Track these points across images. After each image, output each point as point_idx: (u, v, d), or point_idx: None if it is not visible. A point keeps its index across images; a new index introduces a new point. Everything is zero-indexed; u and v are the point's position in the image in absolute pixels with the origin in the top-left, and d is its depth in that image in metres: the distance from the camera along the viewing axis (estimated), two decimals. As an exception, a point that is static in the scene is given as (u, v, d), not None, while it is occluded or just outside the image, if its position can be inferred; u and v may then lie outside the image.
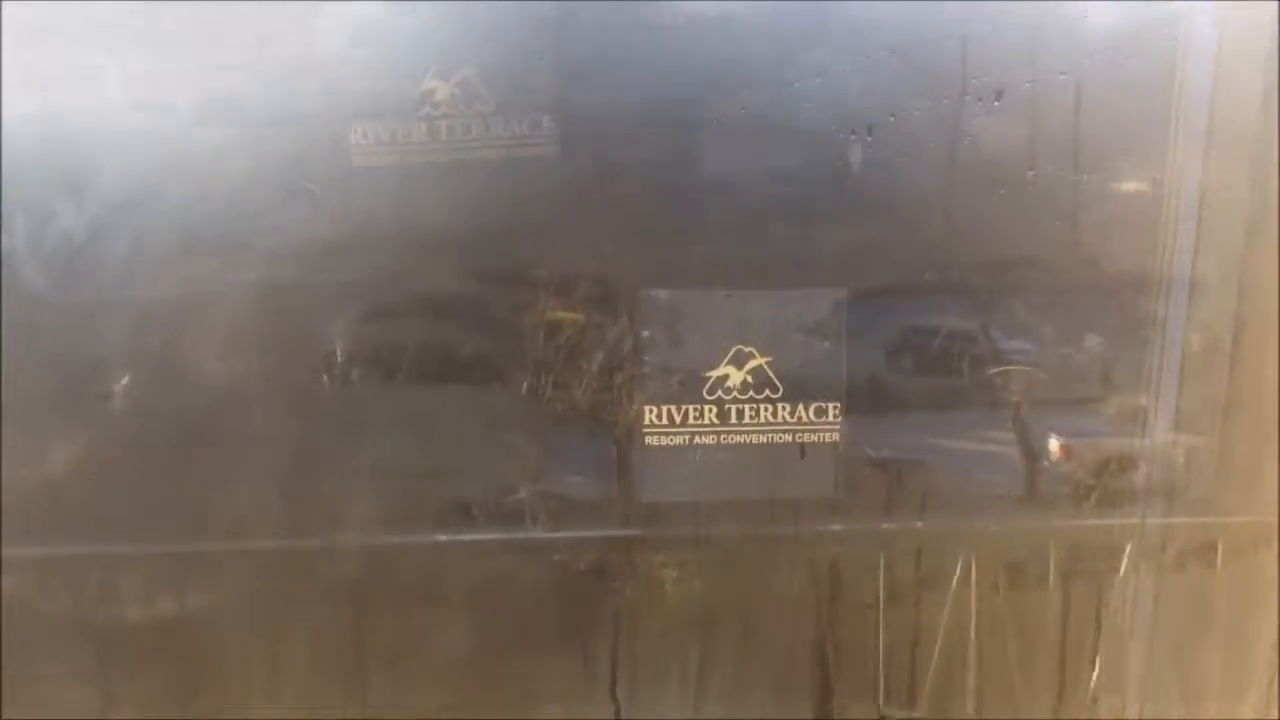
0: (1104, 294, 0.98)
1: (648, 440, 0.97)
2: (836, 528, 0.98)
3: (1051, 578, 1.02)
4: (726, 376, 0.96)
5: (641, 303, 0.95)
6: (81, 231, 0.92)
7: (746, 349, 0.96)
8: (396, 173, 0.91)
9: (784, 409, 0.97)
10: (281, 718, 1.02)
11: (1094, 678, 1.03)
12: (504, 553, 0.98)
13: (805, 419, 0.97)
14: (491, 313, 0.95)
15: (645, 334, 0.95)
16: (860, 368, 0.96)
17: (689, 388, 0.96)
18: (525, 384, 0.94)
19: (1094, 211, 0.96)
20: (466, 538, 0.97)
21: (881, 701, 1.01)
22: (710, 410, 0.97)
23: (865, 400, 0.97)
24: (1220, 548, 1.03)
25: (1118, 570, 1.02)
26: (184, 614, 1.00)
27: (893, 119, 0.93)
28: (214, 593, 1.00)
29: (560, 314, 0.94)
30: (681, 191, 0.93)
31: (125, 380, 0.94)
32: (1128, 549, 1.01)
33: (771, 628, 1.00)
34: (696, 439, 0.97)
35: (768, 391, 0.97)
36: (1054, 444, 1.01)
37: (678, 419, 0.97)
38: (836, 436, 0.97)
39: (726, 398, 0.97)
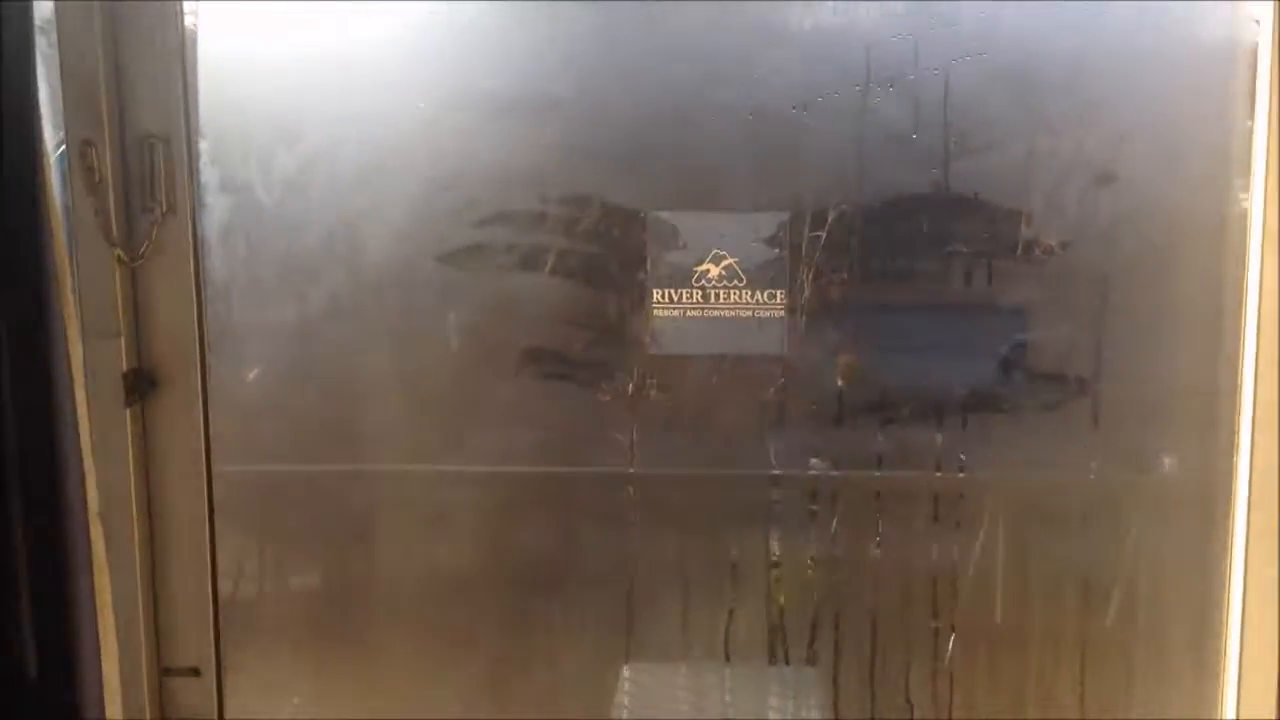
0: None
1: (655, 312, 1.47)
2: (779, 370, 1.47)
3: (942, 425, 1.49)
4: (708, 271, 1.46)
5: (650, 221, 1.45)
6: (295, 165, 1.45)
7: (721, 252, 1.46)
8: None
9: (746, 293, 1.46)
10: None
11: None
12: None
13: (761, 300, 1.46)
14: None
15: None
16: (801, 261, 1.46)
17: (682, 277, 1.46)
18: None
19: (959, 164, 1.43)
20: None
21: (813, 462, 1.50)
22: (696, 293, 1.46)
23: (802, 287, 1.46)
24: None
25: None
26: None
27: (820, 99, 1.42)
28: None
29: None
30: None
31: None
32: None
33: (728, 422, 1.49)
34: (687, 313, 1.47)
35: (735, 281, 1.46)
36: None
37: (675, 299, 1.46)
38: (783, 312, 1.46)
39: (708, 286, 1.46)
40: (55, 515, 1.21)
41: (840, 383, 1.49)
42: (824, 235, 1.45)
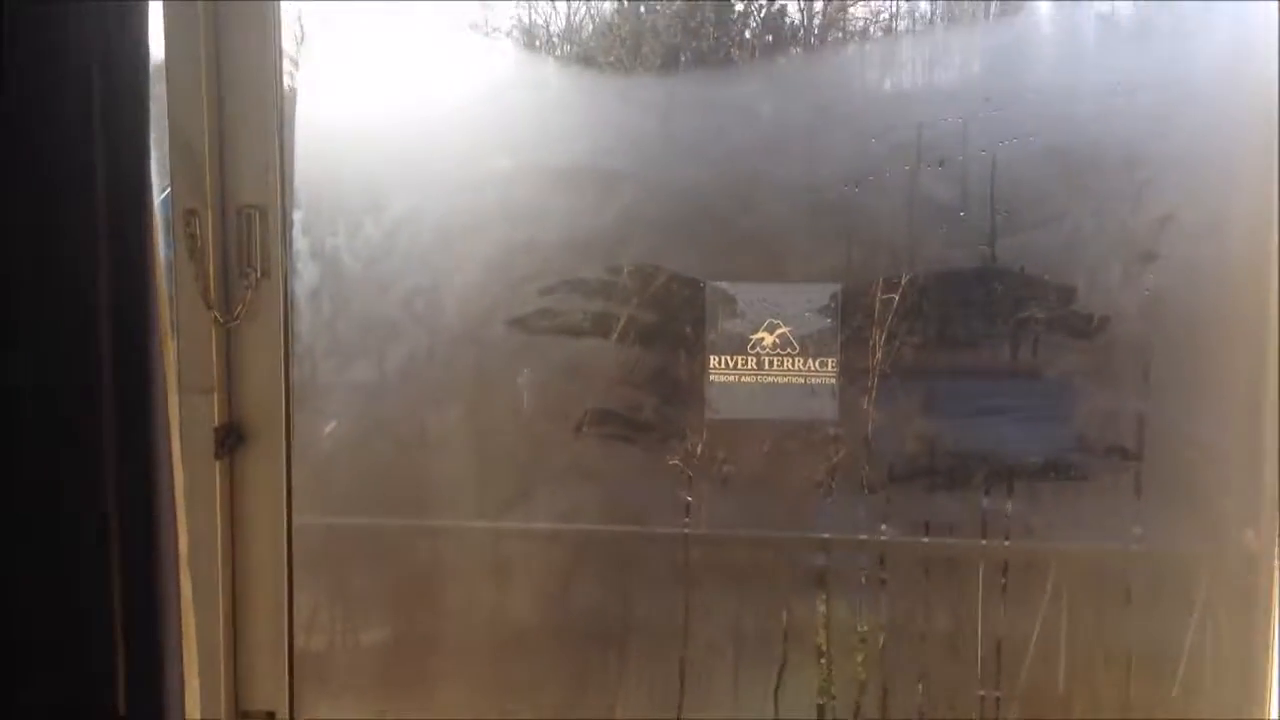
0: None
1: (712, 379, 1.54)
2: (833, 433, 1.53)
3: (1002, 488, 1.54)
4: (763, 339, 1.53)
5: (709, 290, 1.53)
6: (379, 234, 1.55)
7: (776, 321, 1.53)
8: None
9: (799, 361, 1.53)
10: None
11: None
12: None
13: (813, 368, 1.52)
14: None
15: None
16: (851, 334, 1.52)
17: (738, 345, 1.53)
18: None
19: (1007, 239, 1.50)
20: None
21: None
22: (752, 360, 1.53)
23: (853, 356, 1.53)
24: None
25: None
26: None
27: (871, 178, 1.50)
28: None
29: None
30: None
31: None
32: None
33: (787, 489, 1.55)
34: (743, 379, 1.54)
35: (789, 349, 1.52)
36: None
37: (731, 365, 1.53)
38: (833, 380, 1.52)
39: (763, 353, 1.53)
40: (150, 560, 1.29)
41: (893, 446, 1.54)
42: (874, 306, 1.52)
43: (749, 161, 1.52)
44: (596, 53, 1.68)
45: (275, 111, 1.49)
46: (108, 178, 1.23)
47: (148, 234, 1.26)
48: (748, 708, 1.60)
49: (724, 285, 1.53)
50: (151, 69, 1.25)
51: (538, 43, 1.69)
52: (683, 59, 1.64)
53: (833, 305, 1.51)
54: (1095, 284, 1.50)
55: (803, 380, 1.53)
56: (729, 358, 1.53)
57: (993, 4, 1.53)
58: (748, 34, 1.70)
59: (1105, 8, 1.48)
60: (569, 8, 1.64)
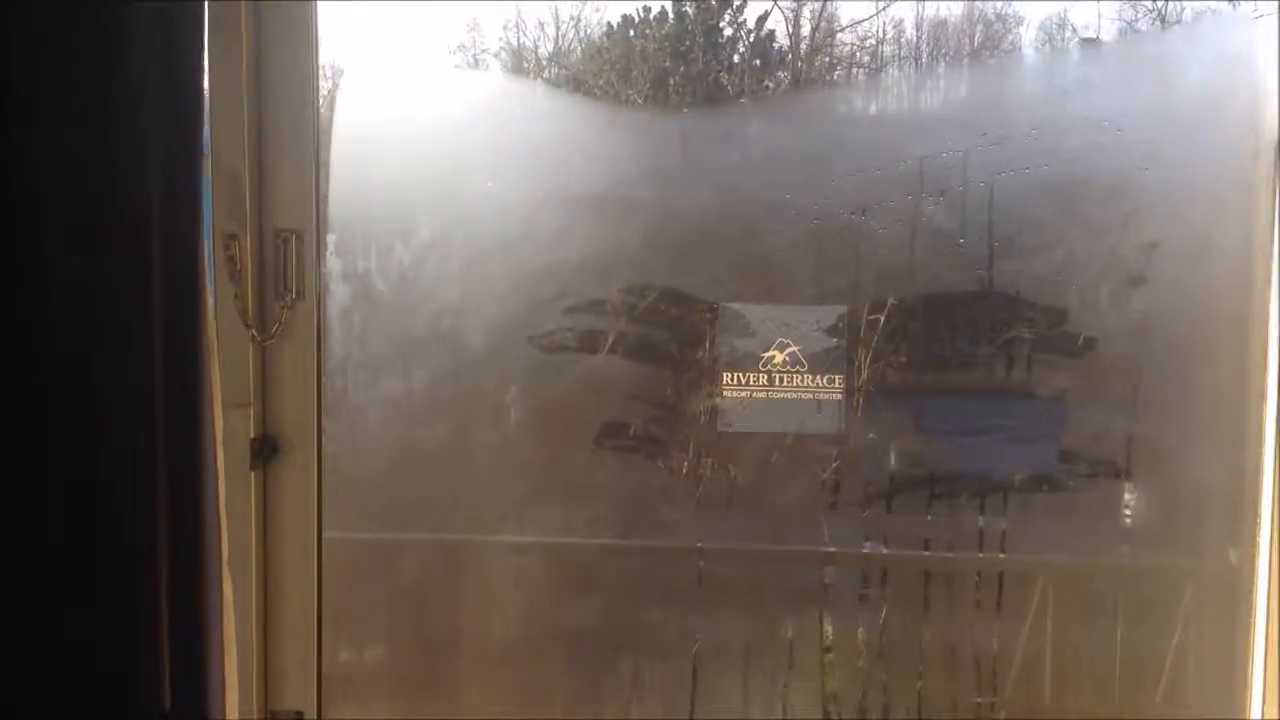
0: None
1: (725, 394, 1.62)
2: (836, 449, 1.62)
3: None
4: (773, 357, 1.61)
5: (722, 312, 1.62)
6: (407, 258, 1.63)
7: (786, 340, 1.61)
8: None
9: (808, 378, 1.61)
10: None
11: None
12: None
13: (821, 384, 1.61)
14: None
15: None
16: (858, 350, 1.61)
17: (750, 363, 1.62)
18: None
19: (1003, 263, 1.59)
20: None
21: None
22: (763, 377, 1.62)
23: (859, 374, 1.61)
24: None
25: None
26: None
27: (878, 205, 1.59)
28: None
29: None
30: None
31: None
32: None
33: (794, 498, 1.63)
34: (754, 395, 1.62)
35: (798, 367, 1.61)
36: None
37: (743, 382, 1.62)
38: (840, 396, 1.61)
39: (773, 370, 1.62)
40: (196, 565, 1.36)
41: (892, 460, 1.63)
42: (879, 326, 1.60)
43: (760, 190, 1.61)
44: (586, 76, 1.75)
45: (311, 141, 1.56)
46: (163, 205, 1.30)
47: (199, 257, 1.34)
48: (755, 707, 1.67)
49: (736, 306, 1.61)
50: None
51: (526, 64, 1.76)
52: (671, 83, 1.72)
53: (839, 325, 1.60)
54: (1086, 306, 1.59)
55: (811, 396, 1.61)
56: (741, 375, 1.62)
57: (977, 30, 1.62)
58: (736, 58, 1.78)
59: (1091, 41, 1.58)
60: (558, 31, 1.72)
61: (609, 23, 1.72)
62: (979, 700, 1.65)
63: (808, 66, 1.57)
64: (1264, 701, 1.57)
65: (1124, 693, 1.63)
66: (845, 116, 1.65)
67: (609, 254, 1.63)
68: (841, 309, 1.61)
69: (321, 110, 1.59)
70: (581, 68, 1.72)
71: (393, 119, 1.64)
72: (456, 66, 1.70)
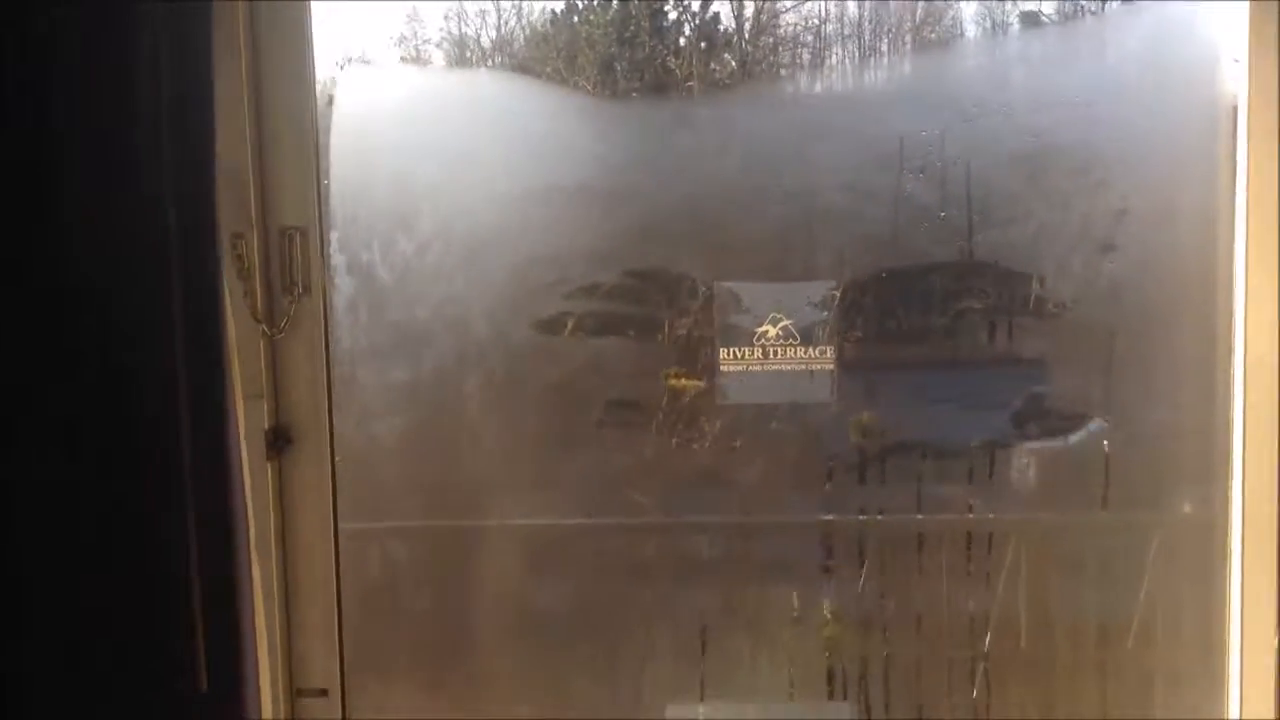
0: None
1: (722, 367, 1.70)
2: (828, 413, 1.70)
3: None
4: (767, 331, 1.68)
5: (717, 290, 1.69)
6: (410, 250, 1.69)
7: (778, 315, 1.69)
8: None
9: (800, 350, 1.69)
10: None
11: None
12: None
13: (813, 355, 1.69)
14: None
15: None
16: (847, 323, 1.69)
17: (745, 337, 1.69)
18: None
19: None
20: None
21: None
22: (758, 351, 1.69)
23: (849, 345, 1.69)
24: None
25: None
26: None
27: (861, 184, 1.66)
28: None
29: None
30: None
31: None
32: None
33: (793, 456, 1.71)
34: (750, 368, 1.70)
35: (790, 340, 1.69)
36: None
37: (739, 356, 1.69)
38: (832, 366, 1.69)
39: (767, 344, 1.69)
40: (228, 552, 1.42)
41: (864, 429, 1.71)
42: (866, 298, 1.68)
43: (749, 174, 1.68)
44: (532, 64, 1.79)
45: (312, 141, 1.61)
46: (178, 210, 1.35)
47: (217, 256, 1.39)
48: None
49: (730, 285, 1.69)
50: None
51: (469, 54, 1.79)
52: (619, 68, 1.75)
53: (829, 299, 1.67)
54: (1060, 272, 1.67)
55: (804, 367, 1.68)
56: (737, 350, 1.69)
57: (919, 6, 1.68)
58: (682, 41, 1.82)
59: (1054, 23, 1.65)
60: (499, 19, 1.76)
61: (553, 10, 1.77)
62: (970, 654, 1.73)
63: (753, 47, 1.63)
64: (1242, 653, 1.66)
65: (1101, 639, 1.72)
66: (793, 98, 1.72)
67: (603, 240, 1.69)
68: (830, 283, 1.68)
69: (320, 107, 1.64)
70: (527, 55, 1.77)
71: (392, 120, 1.69)
72: (403, 59, 1.75)
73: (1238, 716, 1.67)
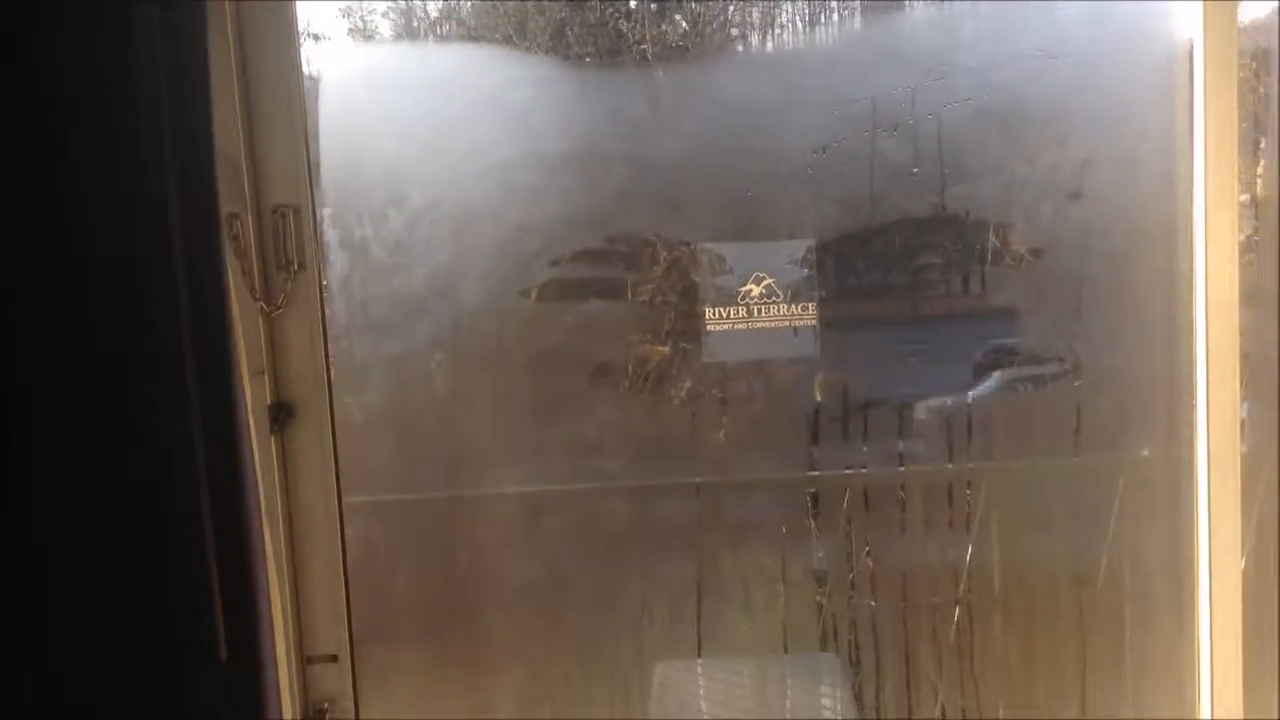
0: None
1: (708, 327, 1.75)
2: (811, 367, 1.76)
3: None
4: (750, 290, 1.74)
5: (700, 252, 1.74)
6: (400, 224, 1.73)
7: (761, 274, 1.74)
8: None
9: (783, 308, 1.74)
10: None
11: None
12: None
13: (795, 312, 1.74)
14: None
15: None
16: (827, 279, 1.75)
17: (729, 297, 1.75)
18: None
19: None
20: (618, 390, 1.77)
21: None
22: (742, 310, 1.75)
23: (830, 301, 1.75)
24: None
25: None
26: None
27: (836, 143, 1.72)
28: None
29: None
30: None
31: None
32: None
33: (776, 406, 1.78)
34: (734, 326, 1.75)
35: (774, 298, 1.74)
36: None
37: (724, 316, 1.75)
38: (814, 322, 1.75)
39: (751, 303, 1.75)
40: (240, 519, 1.46)
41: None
42: (845, 254, 1.74)
43: (726, 138, 1.73)
44: (481, 32, 1.80)
45: (300, 120, 1.65)
46: (180, 197, 1.38)
47: (218, 234, 1.42)
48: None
49: (713, 246, 1.74)
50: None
51: (415, 23, 1.80)
52: (570, 34, 1.77)
53: (809, 257, 1.73)
54: (1030, 222, 1.74)
55: (787, 324, 1.74)
56: (722, 309, 1.74)
57: None
58: (632, 3, 1.83)
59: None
60: None
61: None
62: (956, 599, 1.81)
63: (704, 8, 1.66)
64: (1210, 591, 1.75)
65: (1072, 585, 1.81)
66: (745, 58, 1.76)
67: (586, 207, 1.74)
68: (809, 241, 1.74)
69: (308, 90, 1.67)
70: (475, 23, 1.79)
71: (377, 96, 1.72)
72: (350, 31, 1.78)
73: (1207, 651, 1.76)
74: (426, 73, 1.75)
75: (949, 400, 1.78)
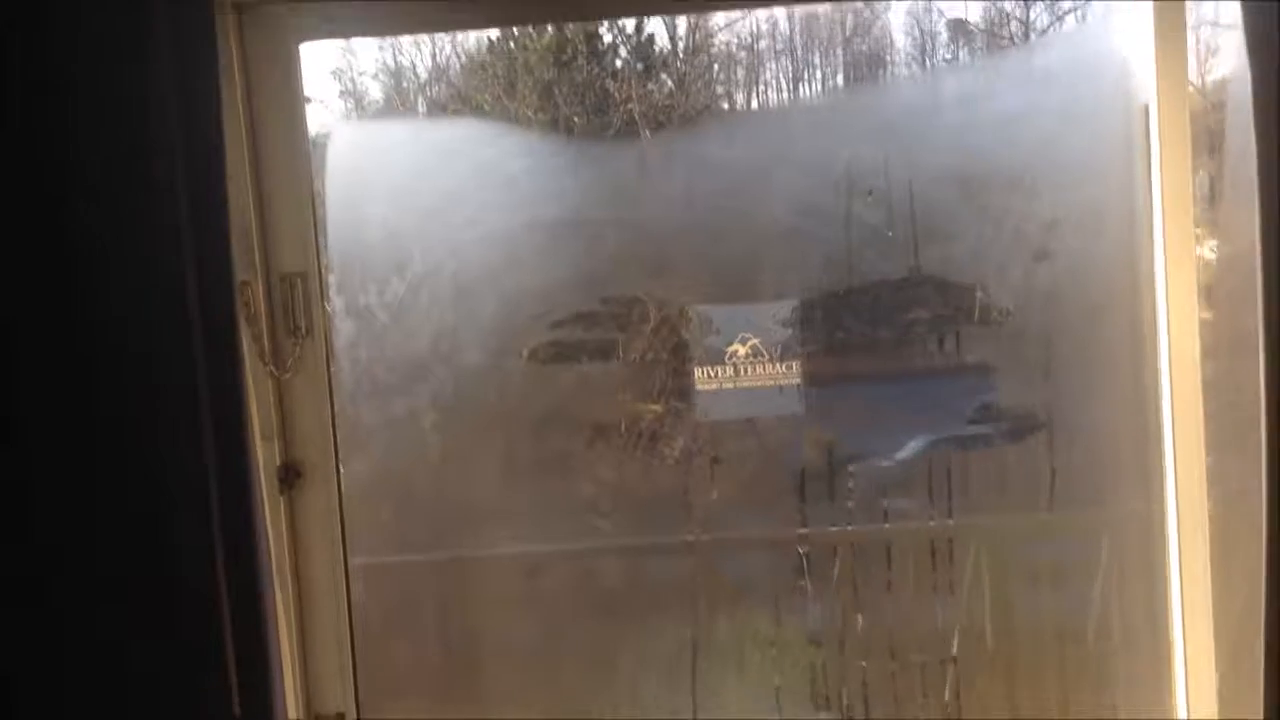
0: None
1: (698, 386, 1.83)
2: (796, 421, 1.84)
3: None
4: (737, 350, 1.82)
5: (690, 313, 1.83)
6: (403, 290, 1.81)
7: (748, 335, 1.83)
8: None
9: (769, 366, 1.83)
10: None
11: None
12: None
13: (780, 371, 1.83)
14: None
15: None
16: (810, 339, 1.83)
17: (717, 357, 1.83)
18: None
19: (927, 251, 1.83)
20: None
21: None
22: (729, 369, 1.83)
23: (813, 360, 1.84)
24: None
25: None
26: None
27: (815, 207, 1.82)
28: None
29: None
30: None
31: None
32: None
33: (765, 463, 1.85)
34: (722, 385, 1.83)
35: (759, 357, 1.83)
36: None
37: (713, 375, 1.83)
38: (798, 380, 1.83)
39: (738, 362, 1.83)
40: (252, 580, 1.51)
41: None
42: (826, 315, 1.83)
43: (713, 202, 1.82)
44: (471, 92, 1.87)
45: (308, 188, 1.73)
46: (197, 266, 1.45)
47: (233, 303, 1.49)
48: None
49: (702, 308, 1.83)
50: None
51: (405, 84, 1.87)
52: (558, 92, 1.84)
53: (793, 318, 1.82)
54: (1000, 282, 1.83)
55: (773, 383, 1.82)
56: (710, 369, 1.82)
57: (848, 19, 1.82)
58: (619, 63, 1.91)
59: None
60: (433, 48, 1.84)
61: (489, 38, 1.86)
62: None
63: (689, 67, 1.74)
64: (1184, 634, 1.80)
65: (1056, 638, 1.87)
66: (731, 118, 1.86)
67: (583, 272, 1.83)
68: (794, 302, 1.82)
69: (316, 163, 1.75)
70: (464, 84, 1.87)
71: (381, 168, 1.81)
72: (342, 93, 1.86)
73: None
74: (427, 142, 1.84)
75: (927, 454, 1.86)
